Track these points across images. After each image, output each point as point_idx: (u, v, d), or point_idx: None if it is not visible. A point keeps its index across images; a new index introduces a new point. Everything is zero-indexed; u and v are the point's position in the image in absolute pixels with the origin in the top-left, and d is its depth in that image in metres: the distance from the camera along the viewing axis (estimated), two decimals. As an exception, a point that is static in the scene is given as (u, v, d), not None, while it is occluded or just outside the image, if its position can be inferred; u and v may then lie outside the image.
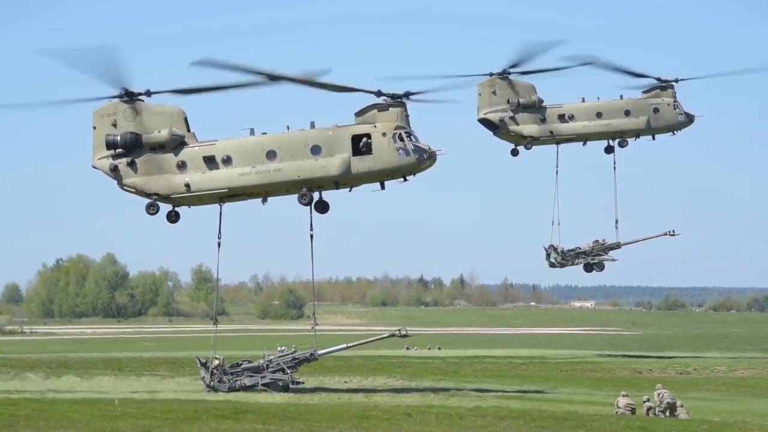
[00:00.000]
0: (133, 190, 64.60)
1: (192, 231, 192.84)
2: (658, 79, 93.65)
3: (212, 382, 63.34)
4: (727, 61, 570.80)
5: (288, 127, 64.21)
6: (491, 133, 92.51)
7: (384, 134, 62.82)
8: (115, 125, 63.91)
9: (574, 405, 56.01)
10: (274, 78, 60.15)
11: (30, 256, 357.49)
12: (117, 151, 63.97)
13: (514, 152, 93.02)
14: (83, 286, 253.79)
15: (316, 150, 63.03)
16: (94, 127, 64.49)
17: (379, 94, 63.38)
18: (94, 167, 64.88)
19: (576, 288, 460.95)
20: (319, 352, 65.51)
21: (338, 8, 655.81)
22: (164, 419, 46.64)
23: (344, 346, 68.82)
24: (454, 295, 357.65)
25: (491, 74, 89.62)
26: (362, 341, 70.96)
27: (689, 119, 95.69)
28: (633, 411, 51.25)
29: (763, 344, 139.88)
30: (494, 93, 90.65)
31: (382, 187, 64.31)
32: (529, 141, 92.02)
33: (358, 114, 64.05)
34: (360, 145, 62.92)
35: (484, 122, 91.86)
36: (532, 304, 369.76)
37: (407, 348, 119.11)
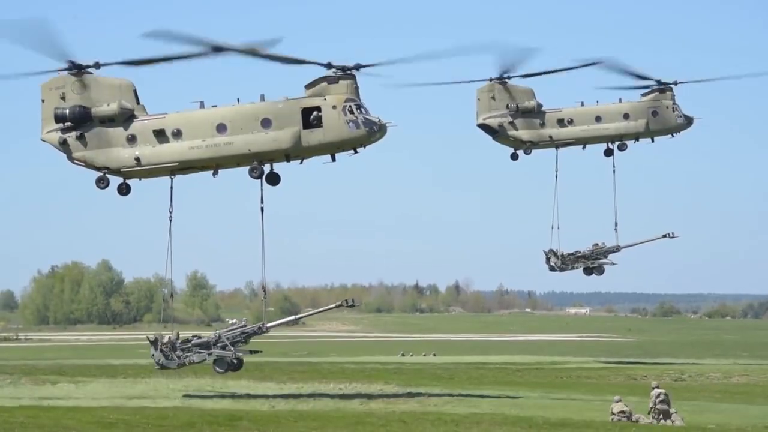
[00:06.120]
0: (83, 164, 64.02)
1: (187, 238, 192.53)
2: (658, 82, 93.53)
3: (161, 360, 63.00)
4: (726, 63, 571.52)
5: (238, 100, 63.77)
6: (490, 138, 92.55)
7: (334, 107, 62.26)
8: (63, 98, 63.04)
9: (569, 411, 55.94)
10: (221, 49, 58.82)
11: (25, 262, 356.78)
12: (66, 124, 63.34)
13: (514, 157, 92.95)
14: (78, 292, 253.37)
15: (266, 123, 62.61)
16: (43, 101, 63.65)
17: (329, 66, 62.79)
18: (42, 140, 64.11)
19: (571, 294, 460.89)
20: (268, 324, 65.35)
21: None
22: (159, 426, 46.57)
23: (293, 318, 75.34)
24: (449, 302, 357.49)
25: (490, 79, 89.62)
26: (312, 312, 76.79)
27: (688, 122, 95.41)
28: (628, 417, 51.16)
29: (758, 351, 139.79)
30: (493, 98, 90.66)
31: (333, 159, 63.83)
32: (529, 146, 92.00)
33: (308, 87, 63.39)
34: (310, 117, 62.54)
35: (484, 127, 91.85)
36: (528, 310, 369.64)
37: (402, 354, 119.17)
